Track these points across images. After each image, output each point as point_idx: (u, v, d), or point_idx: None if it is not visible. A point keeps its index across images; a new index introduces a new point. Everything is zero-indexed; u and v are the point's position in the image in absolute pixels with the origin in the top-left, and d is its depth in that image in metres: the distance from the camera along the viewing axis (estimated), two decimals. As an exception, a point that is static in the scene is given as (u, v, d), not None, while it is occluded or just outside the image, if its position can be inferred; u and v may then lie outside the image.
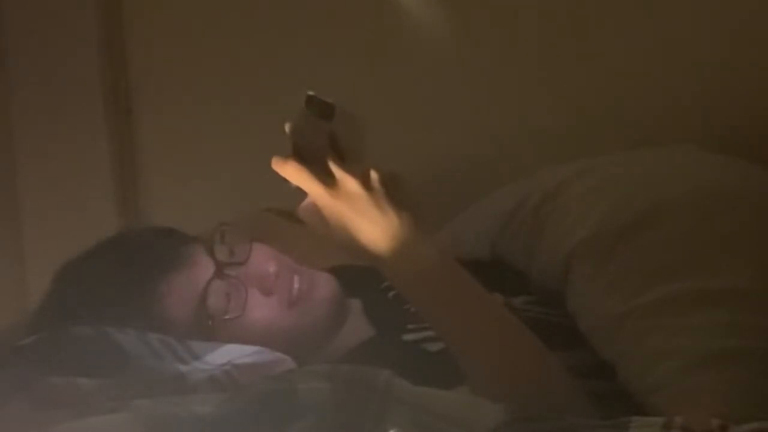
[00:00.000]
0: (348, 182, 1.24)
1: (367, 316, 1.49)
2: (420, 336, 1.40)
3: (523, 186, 1.62)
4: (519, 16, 1.91)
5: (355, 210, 1.25)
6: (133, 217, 2.15)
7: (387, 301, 1.49)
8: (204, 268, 1.42)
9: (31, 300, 1.73)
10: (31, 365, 1.26)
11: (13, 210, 2.18)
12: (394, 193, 1.25)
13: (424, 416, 1.08)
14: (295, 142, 1.25)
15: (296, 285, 1.43)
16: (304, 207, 1.29)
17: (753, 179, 1.51)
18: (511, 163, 1.82)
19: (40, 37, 2.15)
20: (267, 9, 2.04)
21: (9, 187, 2.18)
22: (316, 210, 1.27)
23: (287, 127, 1.25)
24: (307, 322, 1.43)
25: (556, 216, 1.50)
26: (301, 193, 1.27)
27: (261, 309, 1.41)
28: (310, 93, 1.25)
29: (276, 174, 1.25)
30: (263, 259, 1.44)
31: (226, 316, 1.40)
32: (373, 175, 1.25)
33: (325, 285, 1.45)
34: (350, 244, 1.26)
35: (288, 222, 1.34)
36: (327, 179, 1.24)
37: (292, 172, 1.24)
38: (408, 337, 1.42)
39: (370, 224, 1.25)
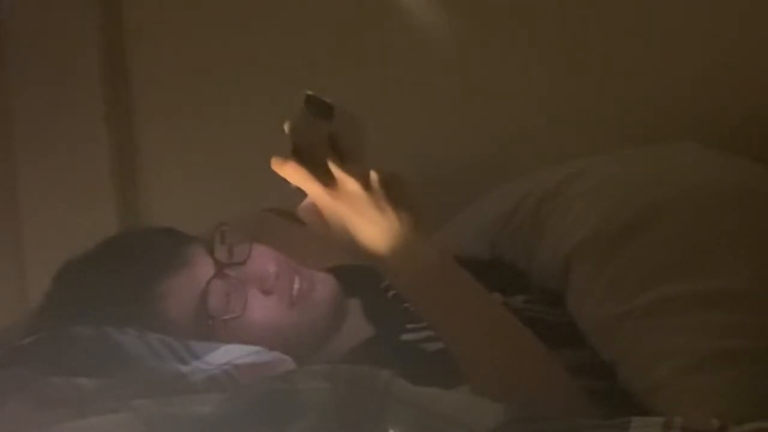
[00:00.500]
0: (348, 182, 1.24)
1: (366, 316, 1.49)
2: (419, 336, 1.40)
3: (523, 186, 1.62)
4: (518, 17, 1.91)
5: (354, 210, 1.25)
6: (133, 217, 2.15)
7: (386, 301, 1.50)
8: (204, 268, 1.42)
9: (31, 300, 1.73)
10: (31, 365, 1.26)
11: (13, 210, 2.18)
12: (394, 193, 1.25)
13: (424, 416, 1.08)
14: (295, 142, 1.25)
15: (296, 285, 1.43)
16: (303, 207, 1.29)
17: (753, 178, 1.51)
18: (511, 163, 1.82)
19: (40, 37, 2.15)
20: (267, 9, 2.04)
21: (9, 187, 2.18)
22: (315, 210, 1.27)
23: (286, 127, 1.25)
24: (307, 322, 1.43)
25: (556, 216, 1.50)
26: (300, 194, 1.27)
27: (261, 309, 1.41)
28: (309, 93, 1.24)
29: (276, 174, 1.25)
30: (263, 259, 1.44)
31: (226, 316, 1.40)
32: (373, 175, 1.25)
33: (325, 285, 1.45)
34: (350, 244, 1.26)
35: (288, 222, 1.34)
36: (326, 179, 1.24)
37: (292, 173, 1.24)
38: (407, 336, 1.42)
39: (370, 224, 1.25)
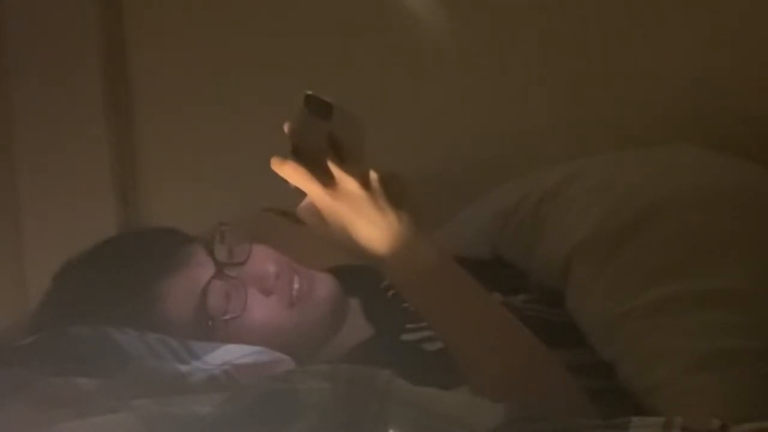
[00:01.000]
0: (347, 182, 1.24)
1: (366, 316, 1.49)
2: (419, 336, 1.40)
3: (523, 185, 1.62)
4: (519, 17, 1.91)
5: (354, 210, 1.25)
6: (133, 217, 2.15)
7: (386, 300, 1.50)
8: (204, 268, 1.42)
9: (31, 300, 1.73)
10: (31, 365, 1.26)
11: (13, 210, 2.18)
12: (394, 192, 1.25)
13: (424, 416, 1.08)
14: (294, 142, 1.25)
15: (296, 285, 1.43)
16: (303, 207, 1.29)
17: (752, 179, 1.51)
18: (511, 163, 1.82)
19: (40, 37, 2.15)
20: (266, 9, 2.04)
21: (9, 187, 2.18)
22: (315, 210, 1.27)
23: (286, 127, 1.25)
24: (307, 322, 1.43)
25: (555, 215, 1.50)
26: (300, 193, 1.27)
27: (261, 309, 1.41)
28: (309, 93, 1.25)
29: (275, 174, 1.25)
30: (263, 260, 1.44)
31: (226, 316, 1.40)
32: (373, 175, 1.25)
33: (325, 285, 1.45)
34: (349, 244, 1.26)
35: (288, 222, 1.34)
36: (326, 179, 1.24)
37: (291, 172, 1.24)
38: (407, 336, 1.42)
39: (370, 224, 1.25)
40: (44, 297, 1.45)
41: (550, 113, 1.90)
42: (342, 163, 1.24)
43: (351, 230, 1.25)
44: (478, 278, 1.29)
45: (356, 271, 1.50)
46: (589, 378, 1.30)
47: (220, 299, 1.40)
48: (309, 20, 2.01)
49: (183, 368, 1.28)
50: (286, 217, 1.34)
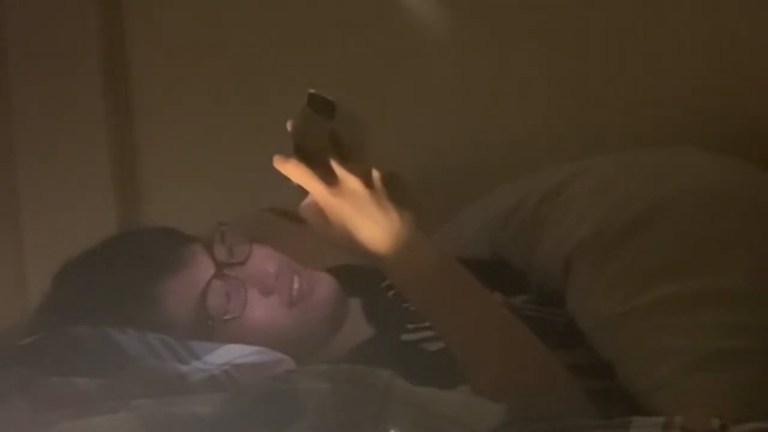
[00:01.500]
0: (349, 181, 1.24)
1: (366, 316, 1.49)
2: (419, 336, 1.40)
3: (523, 186, 1.62)
4: (520, 17, 1.91)
5: (356, 208, 1.25)
6: (133, 217, 2.15)
7: (386, 300, 1.49)
8: (204, 268, 1.42)
9: (31, 300, 1.73)
10: (31, 365, 1.26)
11: (13, 210, 2.18)
12: (395, 191, 1.25)
13: (424, 416, 1.08)
14: (297, 140, 1.25)
15: (296, 285, 1.43)
16: (305, 205, 1.29)
17: (752, 179, 1.51)
18: (511, 163, 1.82)
19: (40, 37, 2.15)
20: (267, 8, 2.04)
21: (9, 187, 2.18)
22: (317, 208, 1.27)
23: (289, 126, 1.25)
24: (307, 322, 1.42)
25: (556, 216, 1.50)
26: (302, 192, 1.27)
27: (261, 309, 1.41)
28: (312, 91, 1.25)
29: (276, 173, 1.25)
30: (263, 259, 1.44)
31: (226, 316, 1.40)
32: (375, 173, 1.25)
33: (325, 285, 1.45)
34: (351, 243, 1.26)
35: (288, 222, 1.34)
36: (328, 178, 1.24)
37: (294, 171, 1.24)
38: (407, 336, 1.42)
39: (372, 223, 1.25)
40: (44, 297, 1.45)
41: (550, 114, 1.90)
42: (344, 162, 1.25)
43: (353, 229, 1.25)
44: (479, 279, 1.29)
45: (356, 271, 1.50)
46: (589, 378, 1.30)
47: (220, 299, 1.40)
48: (310, 19, 2.01)
49: (183, 368, 1.27)
50: (287, 217, 1.34)
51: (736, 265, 1.34)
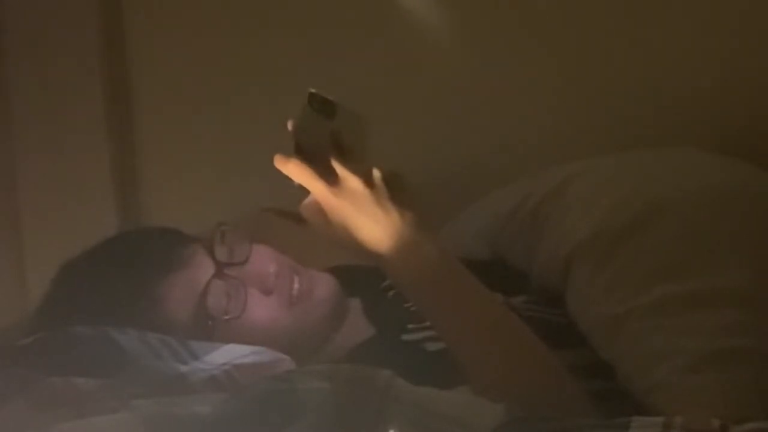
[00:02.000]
0: (350, 180, 1.24)
1: (366, 316, 1.50)
2: (419, 336, 1.40)
3: (523, 186, 1.62)
4: (520, 17, 1.91)
5: (357, 208, 1.25)
6: (133, 217, 2.15)
7: (386, 300, 1.50)
8: (204, 268, 1.42)
9: (31, 300, 1.73)
10: (31, 365, 1.26)
11: (13, 210, 2.18)
12: (396, 191, 1.25)
13: (424, 416, 1.08)
14: (298, 140, 1.25)
15: (296, 285, 1.43)
16: (306, 205, 1.29)
17: (752, 179, 1.51)
18: (511, 163, 1.82)
19: (40, 37, 2.15)
20: (267, 7, 2.04)
21: (9, 187, 2.18)
22: (318, 208, 1.27)
23: (289, 125, 1.25)
24: (307, 322, 1.43)
25: (556, 216, 1.50)
26: (303, 192, 1.27)
27: (261, 309, 1.41)
28: (312, 90, 1.25)
29: (277, 173, 1.25)
30: (263, 259, 1.44)
31: (226, 316, 1.40)
32: (376, 173, 1.25)
33: (325, 285, 1.45)
34: (352, 243, 1.26)
35: (288, 222, 1.34)
36: (329, 177, 1.24)
37: (295, 170, 1.24)
38: (407, 336, 1.42)
39: (372, 222, 1.25)
40: (44, 297, 1.45)
41: (551, 114, 1.89)
42: (345, 161, 1.25)
43: (353, 228, 1.26)
44: (479, 279, 1.29)
45: (356, 271, 1.50)
46: (589, 378, 1.30)
47: (220, 299, 1.40)
48: (311, 19, 2.00)
49: (183, 368, 1.28)
50: (287, 217, 1.34)
51: (736, 265, 1.34)
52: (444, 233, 1.67)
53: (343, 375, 1.11)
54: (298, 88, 1.25)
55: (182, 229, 1.50)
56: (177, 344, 1.32)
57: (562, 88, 1.89)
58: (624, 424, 1.08)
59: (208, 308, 1.40)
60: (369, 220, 1.25)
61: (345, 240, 1.26)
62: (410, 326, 1.42)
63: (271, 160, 1.24)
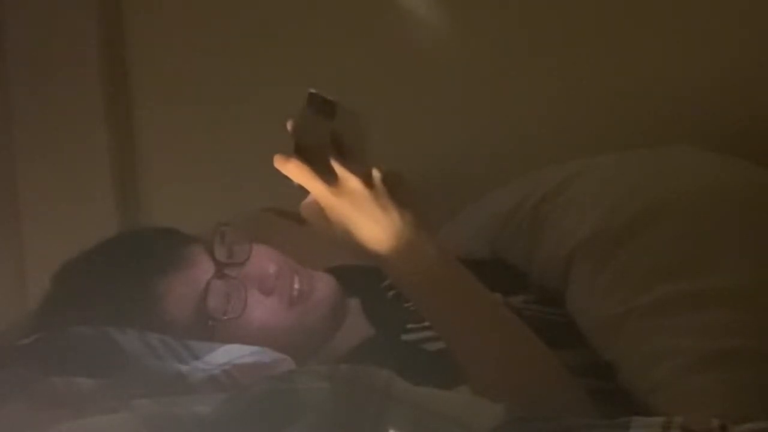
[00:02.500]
0: (350, 180, 1.24)
1: (366, 316, 1.50)
2: (419, 336, 1.40)
3: (523, 185, 1.62)
4: (520, 17, 1.91)
5: (357, 208, 1.25)
6: (133, 217, 2.15)
7: (386, 300, 1.50)
8: (204, 268, 1.42)
9: (31, 300, 1.73)
10: (31, 365, 1.26)
11: (13, 210, 2.18)
12: (396, 191, 1.25)
13: (424, 416, 1.08)
14: (297, 140, 1.25)
15: (296, 285, 1.43)
16: (306, 205, 1.29)
17: (752, 178, 1.51)
18: (511, 163, 1.82)
19: (40, 37, 2.15)
20: (267, 7, 2.04)
21: (9, 187, 2.18)
22: (318, 208, 1.27)
23: (289, 125, 1.25)
24: (307, 322, 1.43)
25: (555, 216, 1.50)
26: (302, 192, 1.27)
27: (261, 309, 1.41)
28: (312, 90, 1.25)
29: (276, 173, 1.25)
30: (263, 260, 1.44)
31: (226, 317, 1.40)
32: (375, 173, 1.25)
33: (325, 285, 1.45)
34: (352, 243, 1.26)
35: (288, 222, 1.34)
36: (329, 177, 1.24)
37: (294, 170, 1.24)
38: (407, 336, 1.42)
39: (372, 222, 1.25)
40: (44, 297, 1.45)
41: (550, 114, 1.90)
42: (345, 161, 1.25)
43: (353, 228, 1.25)
44: (479, 279, 1.29)
45: (356, 271, 1.50)
46: (589, 378, 1.30)
47: (220, 299, 1.40)
48: (311, 19, 2.01)
49: (183, 368, 1.27)
50: (287, 217, 1.34)
51: (736, 265, 1.34)
52: (444, 233, 1.67)
53: (343, 375, 1.11)
54: (298, 88, 1.25)
55: (182, 229, 1.50)
56: (177, 344, 1.32)
57: (562, 87, 1.89)
58: (624, 424, 1.08)
59: (208, 308, 1.40)
60: (369, 220, 1.25)
61: (345, 240, 1.26)
62: (410, 326, 1.42)
63: (271, 160, 1.24)
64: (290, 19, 2.02)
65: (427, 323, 1.35)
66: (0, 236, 2.17)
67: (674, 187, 1.45)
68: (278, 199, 1.33)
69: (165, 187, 2.15)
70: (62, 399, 1.21)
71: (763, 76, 1.78)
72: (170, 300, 1.39)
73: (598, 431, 1.10)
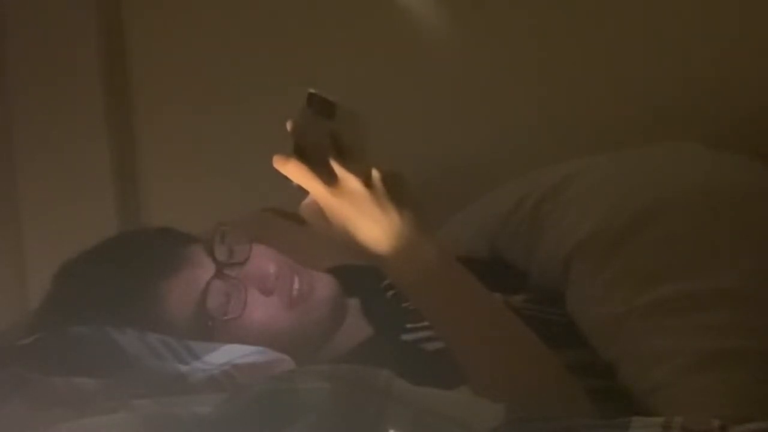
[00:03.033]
0: (350, 180, 1.24)
1: (366, 316, 1.49)
2: (419, 336, 1.40)
3: (523, 185, 1.62)
4: (519, 17, 1.91)
5: (356, 208, 1.25)
6: (133, 217, 2.15)
7: (386, 300, 1.50)
8: (204, 268, 1.42)
9: (31, 300, 1.73)
10: (31, 365, 1.26)
11: (13, 210, 2.18)
12: (396, 191, 1.25)
13: (424, 416, 1.08)
14: (297, 140, 1.25)
15: (296, 285, 1.43)
16: (305, 205, 1.29)
17: (753, 178, 1.51)
18: (511, 163, 1.82)
19: (40, 37, 2.15)
20: (267, 8, 2.04)
21: (9, 187, 2.18)
22: (317, 208, 1.27)
23: (289, 126, 1.25)
24: (307, 323, 1.42)
25: (555, 215, 1.50)
26: (302, 192, 1.27)
27: (261, 309, 1.41)
28: (312, 91, 1.25)
29: (276, 173, 1.25)
30: (263, 260, 1.44)
31: (226, 317, 1.40)
32: (375, 173, 1.25)
33: (325, 285, 1.45)
34: (352, 243, 1.26)
35: (288, 222, 1.34)
36: (328, 177, 1.24)
37: (294, 171, 1.24)
38: (407, 336, 1.42)
39: (372, 222, 1.25)
40: (44, 297, 1.45)
41: (550, 113, 1.90)
42: (344, 162, 1.24)
43: (353, 228, 1.25)
44: (478, 278, 1.29)
45: (356, 271, 1.50)
46: (589, 378, 1.30)
47: (220, 299, 1.40)
48: (310, 19, 2.01)
49: (183, 368, 1.27)
50: (287, 217, 1.34)
51: (736, 265, 1.34)
52: (444, 233, 1.67)
53: (343, 375, 1.11)
54: (298, 88, 1.25)
55: (182, 229, 1.50)
56: (177, 344, 1.32)
57: (562, 87, 1.89)
58: (624, 424, 1.08)
59: (208, 308, 1.40)
60: (368, 220, 1.25)
61: (344, 240, 1.26)
62: (409, 326, 1.42)
63: (271, 161, 1.24)
64: (290, 19, 2.02)
65: (426, 323, 1.35)
66: (0, 236, 2.17)
67: (674, 187, 1.45)
68: (278, 200, 1.33)
69: (165, 187, 2.15)
70: (62, 399, 1.21)
71: (762, 75, 1.78)
72: (170, 300, 1.39)
73: (598, 431, 1.10)
